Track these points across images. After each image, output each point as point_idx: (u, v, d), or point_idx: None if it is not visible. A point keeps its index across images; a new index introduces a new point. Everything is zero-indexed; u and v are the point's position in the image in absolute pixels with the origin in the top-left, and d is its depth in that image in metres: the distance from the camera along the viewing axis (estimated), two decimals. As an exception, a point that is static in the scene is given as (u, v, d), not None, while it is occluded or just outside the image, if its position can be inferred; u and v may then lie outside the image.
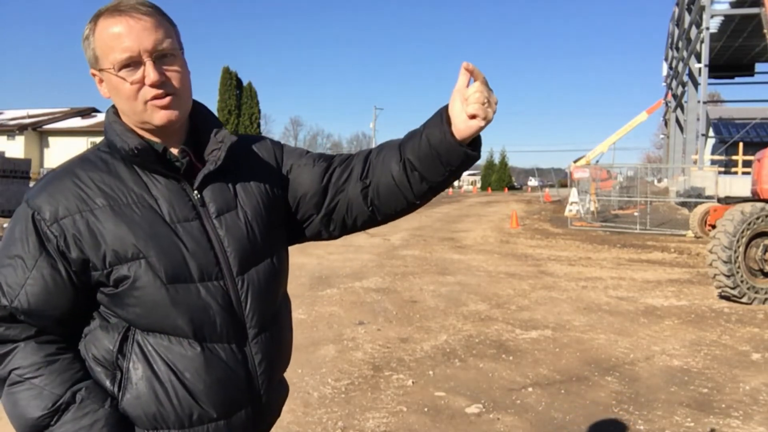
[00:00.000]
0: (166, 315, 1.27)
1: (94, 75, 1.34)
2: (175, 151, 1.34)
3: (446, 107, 1.35)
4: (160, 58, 1.28)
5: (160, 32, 1.28)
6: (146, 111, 1.29)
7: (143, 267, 1.25)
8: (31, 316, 1.25)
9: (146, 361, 1.27)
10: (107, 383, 1.28)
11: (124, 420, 1.27)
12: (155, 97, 1.27)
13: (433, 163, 1.37)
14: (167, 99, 1.28)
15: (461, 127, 1.32)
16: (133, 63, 1.26)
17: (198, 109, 1.43)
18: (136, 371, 1.27)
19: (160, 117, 1.29)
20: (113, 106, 1.36)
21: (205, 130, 1.41)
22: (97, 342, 1.30)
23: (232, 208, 1.37)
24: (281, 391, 1.55)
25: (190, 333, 1.28)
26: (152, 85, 1.26)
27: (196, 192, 1.34)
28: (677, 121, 32.35)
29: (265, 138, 1.55)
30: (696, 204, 17.88)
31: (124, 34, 1.25)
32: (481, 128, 1.32)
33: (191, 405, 1.29)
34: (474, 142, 1.36)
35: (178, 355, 1.28)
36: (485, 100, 1.29)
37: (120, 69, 1.26)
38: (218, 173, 1.36)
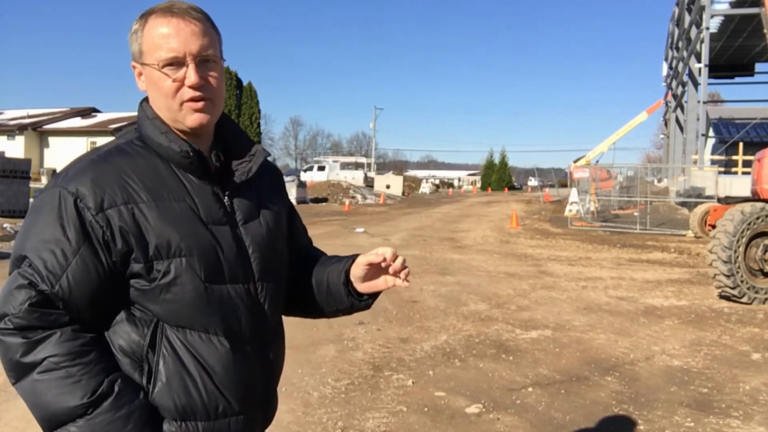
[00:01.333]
0: (199, 312, 1.32)
1: (134, 67, 1.38)
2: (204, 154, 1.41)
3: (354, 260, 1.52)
4: (202, 62, 1.33)
5: (206, 39, 1.34)
6: (181, 111, 1.34)
7: (184, 265, 1.29)
8: (70, 303, 1.25)
9: (176, 355, 1.31)
10: (135, 375, 1.31)
11: (155, 411, 1.31)
12: (192, 99, 1.33)
13: (327, 302, 1.58)
14: (202, 103, 1.34)
15: (368, 286, 1.51)
16: (176, 63, 1.32)
17: (226, 119, 1.48)
18: (167, 365, 1.31)
19: (193, 119, 1.34)
20: (147, 101, 1.40)
21: (233, 141, 1.47)
22: (125, 334, 1.31)
23: (255, 217, 1.44)
24: (276, 395, 1.61)
25: (221, 331, 1.34)
26: (191, 87, 1.32)
27: (226, 198, 1.40)
28: (677, 121, 32.33)
29: (279, 169, 1.69)
30: (696, 204, 17.89)
31: (173, 35, 1.31)
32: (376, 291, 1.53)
33: (218, 398, 1.34)
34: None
35: (207, 350, 1.33)
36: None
37: (163, 66, 1.32)
38: (246, 184, 1.43)
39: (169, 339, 1.31)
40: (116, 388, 1.25)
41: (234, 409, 1.36)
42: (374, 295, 1.54)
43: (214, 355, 1.33)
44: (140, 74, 1.38)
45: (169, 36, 1.31)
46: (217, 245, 1.34)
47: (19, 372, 1.24)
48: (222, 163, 1.42)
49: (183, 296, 1.30)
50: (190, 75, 1.31)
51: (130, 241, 1.27)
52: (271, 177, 1.56)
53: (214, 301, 1.33)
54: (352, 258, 1.53)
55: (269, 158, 1.54)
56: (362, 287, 1.51)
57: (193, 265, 1.30)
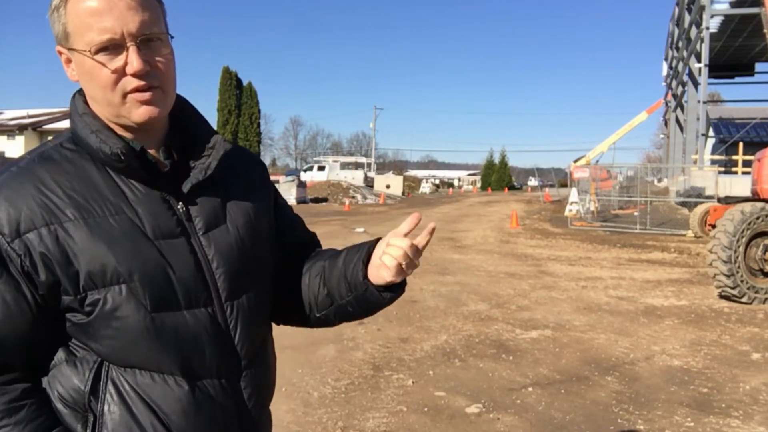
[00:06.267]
0: (149, 348, 1.09)
1: (60, 53, 1.13)
2: (153, 152, 1.16)
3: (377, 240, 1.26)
4: (145, 42, 1.08)
5: (147, 13, 1.08)
6: (124, 105, 1.09)
7: (125, 293, 1.06)
8: None
9: (123, 402, 1.09)
10: (78, 427, 1.09)
11: None
12: (136, 90, 1.08)
13: (338, 284, 1.28)
14: (150, 93, 1.09)
15: (372, 270, 1.23)
16: (112, 46, 1.06)
17: (182, 105, 1.22)
18: (113, 415, 1.08)
19: (140, 114, 1.10)
20: (80, 93, 1.16)
21: (191, 131, 1.22)
22: (64, 379, 1.09)
23: (221, 222, 1.19)
24: (268, 425, 1.34)
25: (177, 369, 1.11)
26: (135, 75, 1.07)
27: (181, 204, 1.15)
28: (677, 120, 32.33)
29: (259, 158, 1.41)
30: (696, 204, 17.89)
31: (105, 11, 1.05)
32: (388, 282, 1.21)
33: None
34: (391, 286, 1.24)
35: (162, 394, 1.10)
36: (405, 261, 1.18)
37: (97, 52, 1.06)
38: (206, 183, 1.18)
39: (115, 382, 1.09)
40: None
41: None
42: (395, 289, 1.25)
43: (169, 400, 1.10)
44: (68, 61, 1.12)
45: (100, 12, 1.04)
46: (166, 264, 1.09)
47: None
48: (175, 161, 1.18)
49: (126, 331, 1.07)
50: (132, 61, 1.06)
51: (55, 271, 1.04)
52: (246, 169, 1.31)
53: (166, 333, 1.09)
54: (377, 239, 1.26)
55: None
56: (370, 274, 1.23)
57: (136, 292, 1.06)
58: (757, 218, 7.96)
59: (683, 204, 21.86)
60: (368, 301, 1.26)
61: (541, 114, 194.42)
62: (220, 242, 1.17)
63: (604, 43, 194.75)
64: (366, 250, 1.24)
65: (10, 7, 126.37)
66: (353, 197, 34.56)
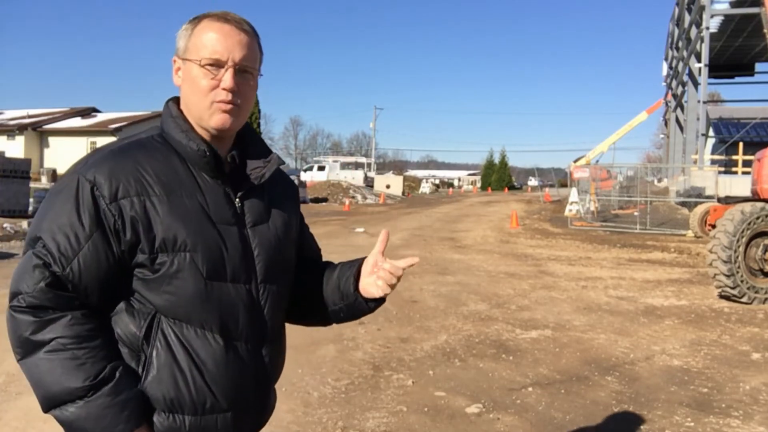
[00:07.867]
0: (198, 307, 1.36)
1: (174, 61, 1.46)
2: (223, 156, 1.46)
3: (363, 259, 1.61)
4: (240, 71, 1.41)
5: (250, 52, 1.42)
6: (209, 110, 1.40)
7: (188, 260, 1.34)
8: (78, 286, 1.30)
9: (169, 348, 1.35)
10: (132, 364, 1.36)
11: (147, 401, 1.35)
12: (222, 101, 1.39)
13: (332, 294, 1.62)
14: (231, 106, 1.40)
15: (364, 287, 1.57)
16: (217, 64, 1.39)
17: (248, 128, 1.55)
18: (159, 358, 1.35)
19: (216, 120, 1.40)
20: (173, 100, 1.49)
21: (251, 147, 1.53)
22: (123, 324, 1.36)
23: (264, 221, 1.50)
24: (274, 398, 1.64)
25: (216, 328, 1.39)
26: (225, 89, 1.39)
27: (237, 200, 1.45)
28: (677, 120, 32.33)
29: (294, 182, 1.75)
30: (696, 204, 17.90)
31: (222, 39, 1.39)
32: (374, 297, 1.56)
33: (206, 394, 1.37)
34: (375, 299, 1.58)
35: (201, 346, 1.37)
36: (394, 282, 1.53)
37: (205, 64, 1.39)
38: (259, 188, 1.49)
39: (164, 332, 1.36)
40: (117, 375, 1.30)
41: (222, 407, 1.40)
42: (378, 301, 1.58)
43: (207, 351, 1.37)
44: (178, 69, 1.45)
45: (218, 39, 1.39)
46: (222, 244, 1.39)
47: (26, 349, 1.29)
48: (237, 166, 1.47)
49: (183, 290, 1.35)
50: (227, 78, 1.38)
51: (138, 232, 1.32)
52: (285, 187, 1.63)
53: (213, 297, 1.37)
54: (364, 258, 1.61)
55: (283, 167, 1.61)
56: (362, 290, 1.57)
57: (197, 260, 1.35)
58: (757, 218, 7.96)
59: (683, 204, 21.87)
60: (356, 308, 1.61)
61: (541, 114, 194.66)
62: (262, 236, 1.48)
63: (604, 43, 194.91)
64: (357, 266, 1.59)
65: (10, 7, 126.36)
66: (353, 197, 34.55)
